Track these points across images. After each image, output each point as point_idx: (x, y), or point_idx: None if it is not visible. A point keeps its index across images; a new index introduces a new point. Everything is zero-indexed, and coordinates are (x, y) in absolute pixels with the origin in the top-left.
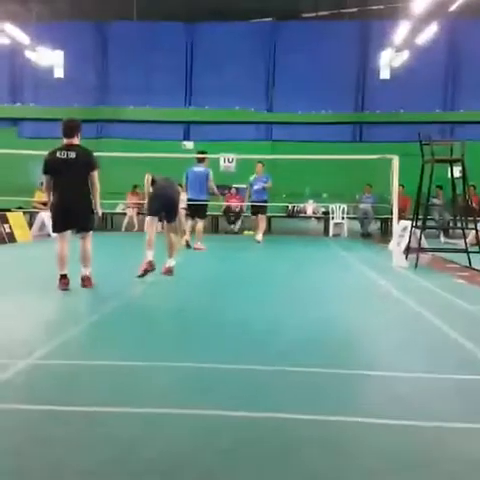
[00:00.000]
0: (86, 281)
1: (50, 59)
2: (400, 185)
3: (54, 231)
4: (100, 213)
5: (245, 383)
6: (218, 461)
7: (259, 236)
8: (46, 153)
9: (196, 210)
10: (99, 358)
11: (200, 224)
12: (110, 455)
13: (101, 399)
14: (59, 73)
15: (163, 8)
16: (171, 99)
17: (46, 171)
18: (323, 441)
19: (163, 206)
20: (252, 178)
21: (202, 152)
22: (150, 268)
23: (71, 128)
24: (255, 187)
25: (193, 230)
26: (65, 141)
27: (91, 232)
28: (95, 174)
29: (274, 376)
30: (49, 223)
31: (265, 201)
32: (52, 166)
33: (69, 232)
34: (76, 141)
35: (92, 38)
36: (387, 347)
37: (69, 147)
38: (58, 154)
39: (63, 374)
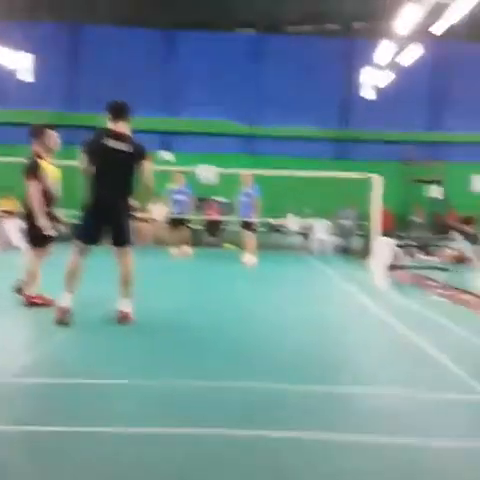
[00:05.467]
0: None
1: (14, 61)
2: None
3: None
4: None
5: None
6: None
7: (251, 258)
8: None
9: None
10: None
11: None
12: None
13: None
14: (24, 75)
15: (140, 14)
16: (148, 108)
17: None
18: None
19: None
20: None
21: None
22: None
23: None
24: (243, 199)
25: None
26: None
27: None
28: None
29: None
30: (13, 232)
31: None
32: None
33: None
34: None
35: (62, 41)
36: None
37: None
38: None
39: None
